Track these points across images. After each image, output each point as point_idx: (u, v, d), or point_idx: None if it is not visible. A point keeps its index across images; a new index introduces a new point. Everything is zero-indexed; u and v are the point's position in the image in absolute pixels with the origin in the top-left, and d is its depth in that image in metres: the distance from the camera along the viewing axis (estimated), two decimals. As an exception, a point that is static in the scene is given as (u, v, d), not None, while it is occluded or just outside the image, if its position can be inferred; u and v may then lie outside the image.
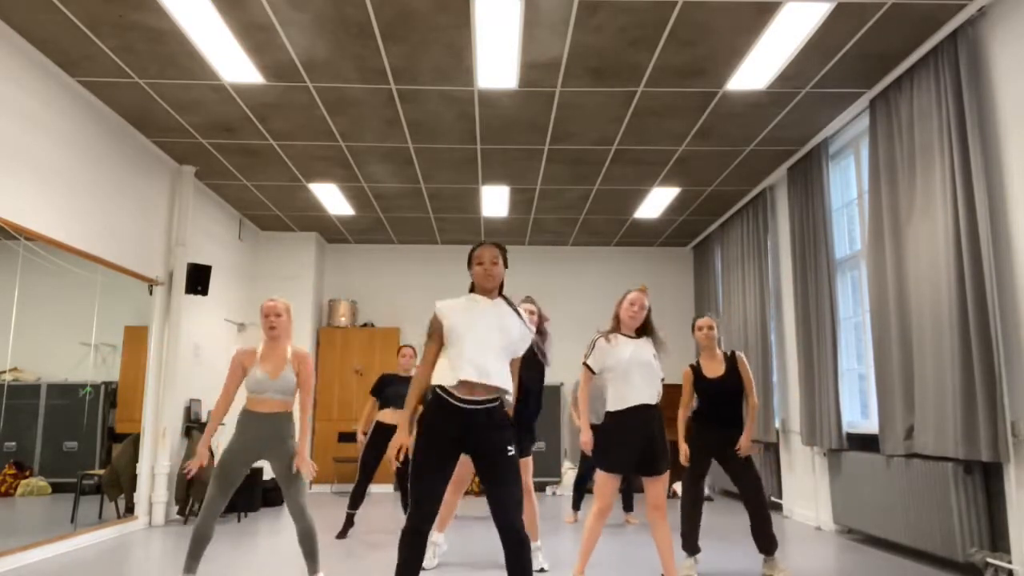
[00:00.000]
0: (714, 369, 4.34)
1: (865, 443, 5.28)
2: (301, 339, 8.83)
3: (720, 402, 4.27)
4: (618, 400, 3.63)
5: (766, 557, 4.20)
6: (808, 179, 6.08)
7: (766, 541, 4.15)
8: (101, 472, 5.56)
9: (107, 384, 5.66)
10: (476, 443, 2.80)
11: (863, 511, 5.11)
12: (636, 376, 3.62)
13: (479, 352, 2.80)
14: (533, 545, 4.37)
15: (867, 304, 5.21)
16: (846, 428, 5.50)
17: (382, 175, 6.93)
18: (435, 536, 4.45)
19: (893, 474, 4.72)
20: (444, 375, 2.83)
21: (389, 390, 5.66)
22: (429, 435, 2.79)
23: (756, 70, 4.79)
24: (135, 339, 6.11)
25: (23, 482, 4.71)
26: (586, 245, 9.65)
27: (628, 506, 6.42)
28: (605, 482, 3.61)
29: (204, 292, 6.72)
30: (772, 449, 6.90)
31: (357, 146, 6.20)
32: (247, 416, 3.66)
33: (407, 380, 5.61)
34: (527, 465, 4.31)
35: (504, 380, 2.84)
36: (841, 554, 4.86)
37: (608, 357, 3.69)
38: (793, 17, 4.18)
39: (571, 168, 6.71)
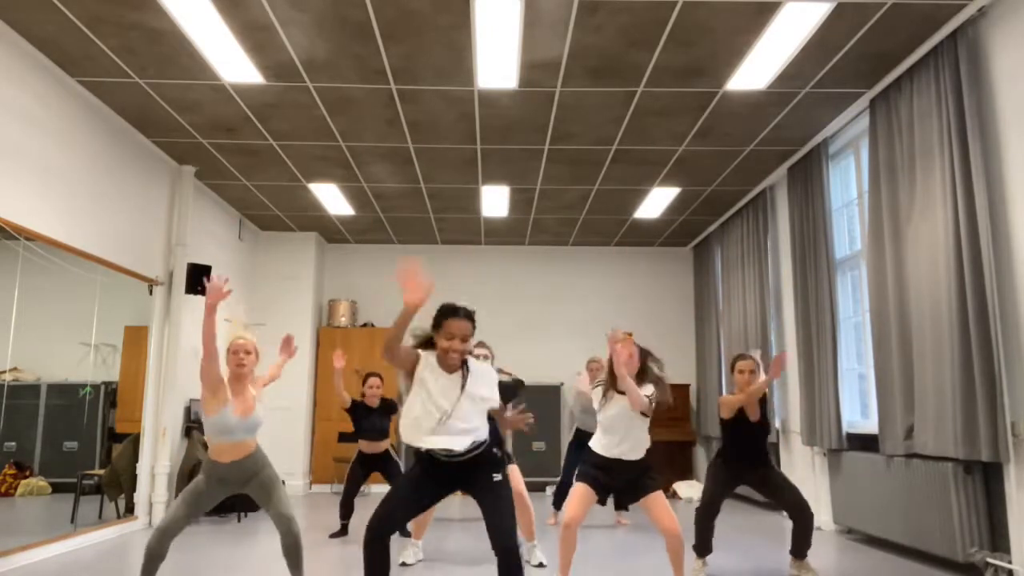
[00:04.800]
0: (754, 411, 4.18)
1: (865, 443, 5.28)
2: (301, 339, 8.83)
3: (752, 442, 4.23)
4: (603, 446, 3.68)
5: (797, 559, 4.17)
6: (808, 179, 6.08)
7: (804, 542, 4.13)
8: (101, 472, 5.56)
9: (107, 384, 5.66)
10: (464, 483, 2.92)
11: (863, 511, 5.11)
12: (621, 433, 3.63)
13: (442, 430, 2.79)
14: (529, 544, 4.41)
15: (867, 304, 5.21)
16: (846, 428, 5.50)
17: (382, 175, 6.93)
18: (413, 541, 4.59)
19: (893, 474, 4.72)
20: (414, 435, 2.83)
21: (364, 422, 5.62)
22: (420, 472, 2.89)
23: (756, 70, 4.79)
24: (135, 339, 6.11)
25: (23, 482, 4.72)
26: (586, 245, 9.64)
27: (622, 504, 6.36)
28: (577, 494, 3.63)
29: (204, 292, 6.71)
30: (772, 449, 6.90)
31: (357, 146, 6.20)
32: (213, 467, 3.46)
33: (377, 411, 5.64)
34: (515, 471, 4.40)
35: (474, 435, 2.84)
36: (841, 554, 4.86)
37: (600, 404, 3.72)
38: (793, 17, 4.17)
39: (571, 168, 6.71)
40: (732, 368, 4.32)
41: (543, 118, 5.59)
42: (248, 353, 3.60)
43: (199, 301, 7.06)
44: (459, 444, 2.80)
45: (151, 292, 6.32)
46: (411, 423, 2.82)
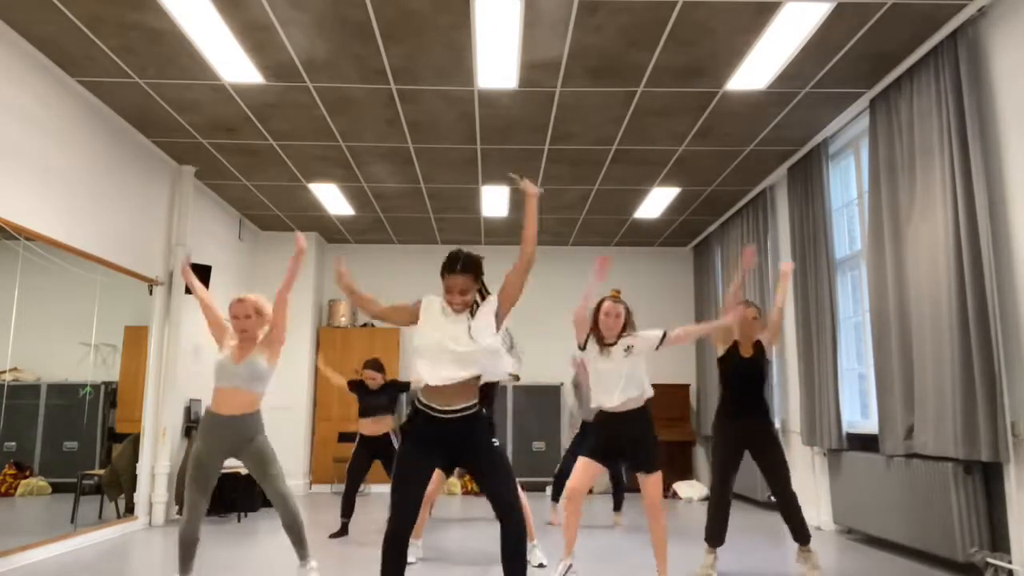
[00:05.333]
0: (747, 349, 4.25)
1: (865, 443, 5.27)
2: (301, 339, 8.84)
3: (749, 386, 4.21)
4: (603, 401, 3.75)
5: (801, 547, 4.16)
6: (808, 179, 6.08)
7: (801, 531, 4.14)
8: (101, 472, 5.56)
9: (107, 384, 5.66)
10: (459, 448, 2.89)
11: (863, 511, 5.11)
12: (612, 386, 3.69)
13: (440, 361, 2.85)
14: (529, 544, 4.41)
15: (867, 304, 5.21)
16: (846, 428, 5.50)
17: (382, 175, 6.93)
18: (413, 540, 4.54)
19: (893, 474, 4.72)
20: (423, 372, 2.88)
21: (365, 400, 5.66)
22: (411, 442, 2.85)
23: (756, 70, 4.79)
24: (135, 339, 6.11)
25: (23, 482, 4.72)
26: (586, 245, 9.65)
27: (617, 506, 6.37)
28: (578, 465, 3.71)
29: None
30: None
31: (357, 146, 6.20)
32: (210, 419, 3.51)
33: (376, 392, 5.67)
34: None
35: (477, 367, 2.89)
36: (841, 554, 4.86)
37: (590, 366, 3.80)
38: (793, 17, 4.18)
39: (571, 168, 6.71)
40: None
41: (543, 118, 5.59)
42: (248, 317, 3.56)
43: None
44: (463, 372, 2.83)
45: (151, 292, 6.32)
46: (418, 357, 2.88)
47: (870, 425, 5.26)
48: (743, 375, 4.21)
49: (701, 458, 8.92)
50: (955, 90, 4.18)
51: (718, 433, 4.25)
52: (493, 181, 7.08)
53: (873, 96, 5.05)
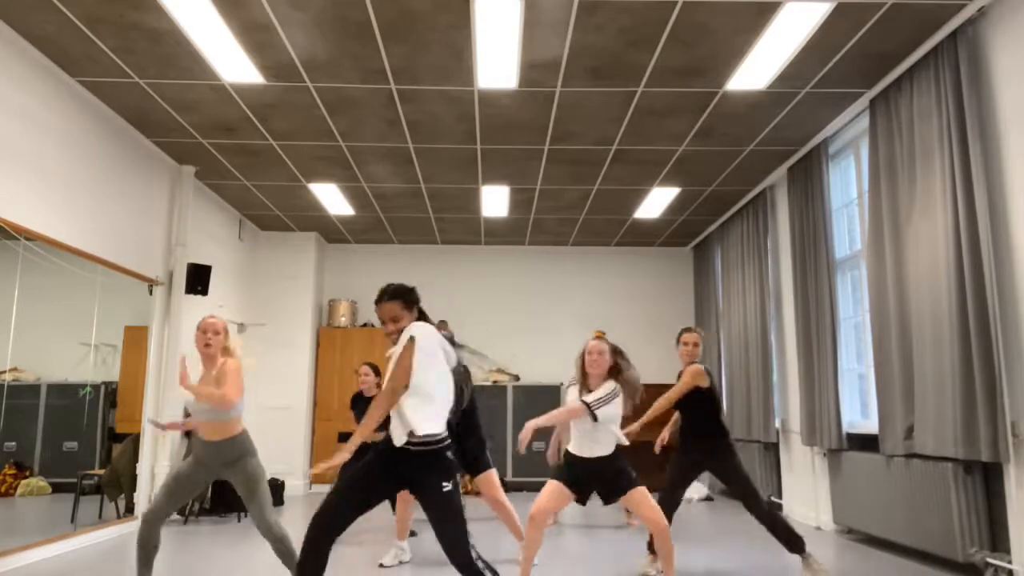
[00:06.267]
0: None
1: (865, 443, 5.27)
2: (301, 339, 8.83)
3: (706, 413, 4.28)
4: (573, 445, 3.70)
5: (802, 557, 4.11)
6: (808, 179, 6.08)
7: (783, 538, 4.08)
8: (101, 472, 5.56)
9: (107, 384, 5.66)
10: (411, 484, 2.83)
11: (863, 511, 5.11)
12: (585, 432, 3.65)
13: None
14: (519, 544, 4.42)
15: (867, 304, 5.21)
16: (846, 428, 5.50)
17: (382, 175, 6.93)
18: (397, 543, 4.58)
19: (893, 474, 4.72)
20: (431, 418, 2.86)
21: (358, 408, 5.64)
22: (372, 461, 2.85)
23: (756, 70, 4.79)
24: (135, 339, 6.11)
25: (23, 482, 4.71)
26: (586, 245, 9.65)
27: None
28: (549, 489, 3.63)
29: (204, 292, 6.72)
30: (772, 449, 6.90)
31: (357, 146, 6.20)
32: (198, 446, 3.53)
33: (371, 399, 5.62)
34: (492, 476, 4.43)
35: (404, 422, 2.81)
36: (841, 554, 4.86)
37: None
38: (793, 17, 4.17)
39: (571, 168, 6.71)
40: (677, 341, 4.43)
41: (543, 118, 5.59)
42: (217, 334, 3.61)
43: (199, 301, 7.07)
44: (396, 436, 2.80)
45: (151, 292, 6.32)
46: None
47: (870, 425, 5.26)
48: (703, 406, 4.30)
49: (701, 458, 8.92)
50: (955, 90, 4.18)
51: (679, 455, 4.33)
52: (493, 181, 7.08)
53: (873, 96, 5.05)
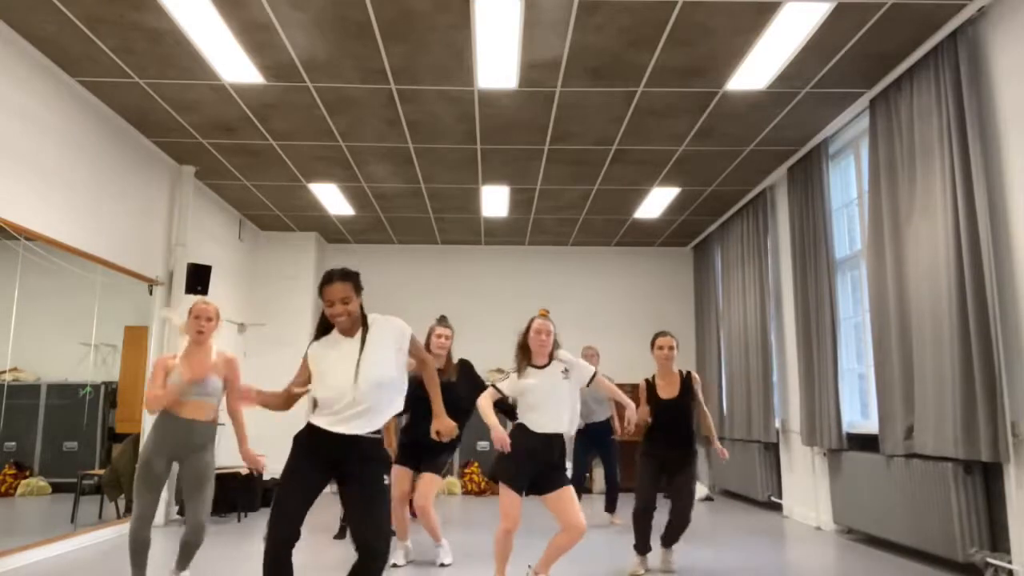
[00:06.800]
0: (669, 390, 4.36)
1: (865, 443, 5.27)
2: (301, 339, 8.82)
3: (672, 423, 4.31)
4: (531, 423, 3.61)
5: (666, 549, 4.33)
6: (808, 179, 6.08)
7: (675, 538, 4.29)
8: (101, 472, 5.56)
9: (107, 384, 5.66)
10: (344, 469, 2.77)
11: (863, 511, 5.11)
12: (548, 406, 3.61)
13: (333, 397, 2.78)
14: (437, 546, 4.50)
15: (867, 304, 5.21)
16: (846, 428, 5.50)
17: (382, 175, 6.93)
18: (401, 543, 4.57)
19: (893, 474, 4.72)
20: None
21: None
22: (298, 458, 2.78)
23: (756, 70, 4.79)
24: (135, 339, 6.11)
25: (23, 482, 4.71)
26: (586, 245, 9.65)
27: (611, 506, 6.38)
28: (510, 499, 3.55)
29: (204, 292, 6.72)
30: (772, 449, 6.90)
31: (357, 146, 6.20)
32: (165, 418, 3.55)
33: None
34: (431, 480, 4.44)
35: (372, 417, 2.77)
36: (841, 554, 4.86)
37: (520, 388, 3.66)
38: (793, 17, 4.18)
39: (571, 168, 6.71)
40: (652, 346, 4.45)
41: (543, 118, 5.59)
42: (209, 320, 3.71)
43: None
44: (356, 429, 2.73)
45: (151, 292, 6.32)
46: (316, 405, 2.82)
47: (870, 425, 5.26)
48: (665, 415, 4.35)
49: (702, 458, 8.91)
50: (955, 90, 4.18)
51: (642, 455, 4.37)
52: (493, 181, 7.08)
53: (873, 96, 5.05)
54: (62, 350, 5.16)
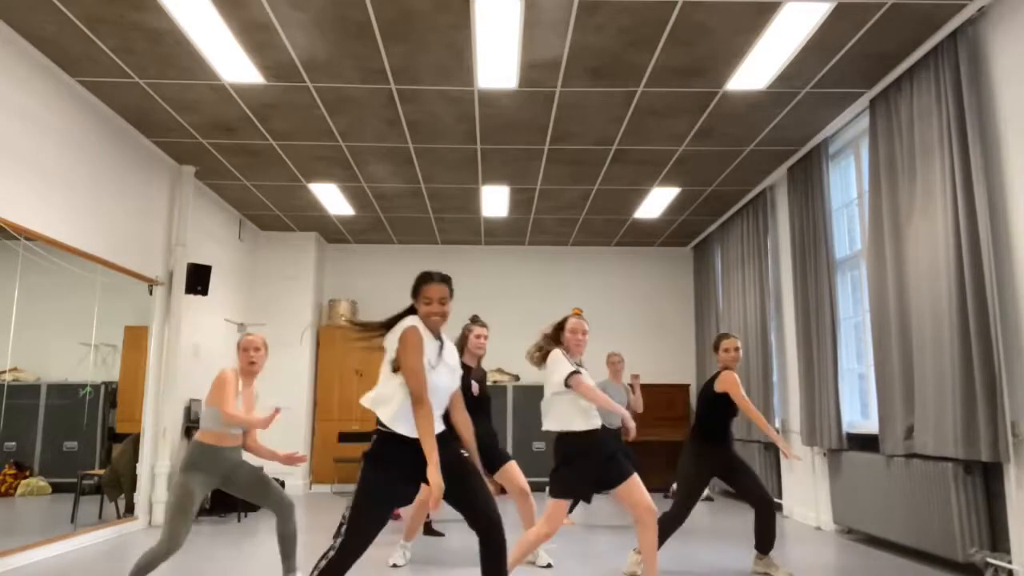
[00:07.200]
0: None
1: (865, 443, 5.28)
2: (301, 339, 8.84)
3: (729, 419, 4.31)
4: (582, 421, 3.53)
5: (760, 555, 4.22)
6: (808, 179, 6.08)
7: (771, 536, 4.18)
8: (101, 472, 5.56)
9: (107, 384, 5.66)
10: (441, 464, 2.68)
11: (863, 511, 5.11)
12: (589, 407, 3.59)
13: (439, 401, 2.75)
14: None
15: (867, 304, 5.21)
16: (846, 428, 5.50)
17: (382, 175, 6.93)
18: (404, 544, 4.57)
19: (893, 474, 4.72)
20: (403, 423, 2.65)
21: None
22: (382, 470, 2.65)
23: (756, 70, 4.79)
24: (135, 339, 6.11)
25: (23, 482, 4.71)
26: (586, 245, 9.65)
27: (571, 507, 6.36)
28: (561, 510, 3.50)
29: (204, 292, 6.73)
30: (772, 449, 6.90)
31: (357, 146, 6.20)
32: (215, 452, 3.52)
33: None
34: (515, 468, 4.42)
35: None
36: (841, 554, 4.86)
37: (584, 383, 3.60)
38: (793, 17, 4.18)
39: (571, 168, 6.71)
40: (716, 347, 4.41)
41: (543, 118, 5.59)
42: (258, 350, 3.77)
43: (199, 301, 7.08)
44: (440, 425, 2.74)
45: (151, 292, 6.32)
46: (403, 406, 2.69)
47: (870, 425, 5.26)
48: (729, 411, 4.32)
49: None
50: (955, 90, 4.18)
51: (699, 464, 4.27)
52: (493, 181, 7.08)
53: (873, 96, 5.05)
54: (62, 350, 5.16)
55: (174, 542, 3.34)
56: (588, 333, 3.71)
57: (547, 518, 3.48)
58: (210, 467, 3.52)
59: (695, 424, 4.36)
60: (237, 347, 3.77)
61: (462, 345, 4.57)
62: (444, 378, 2.74)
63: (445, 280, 2.81)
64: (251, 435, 3.75)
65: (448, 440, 2.77)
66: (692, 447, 4.29)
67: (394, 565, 4.44)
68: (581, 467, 3.46)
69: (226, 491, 3.67)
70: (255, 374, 3.75)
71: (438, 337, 2.80)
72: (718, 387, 4.25)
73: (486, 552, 2.65)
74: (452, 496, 2.68)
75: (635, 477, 3.54)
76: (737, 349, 4.36)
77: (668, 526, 4.14)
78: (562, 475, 3.47)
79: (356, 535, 2.58)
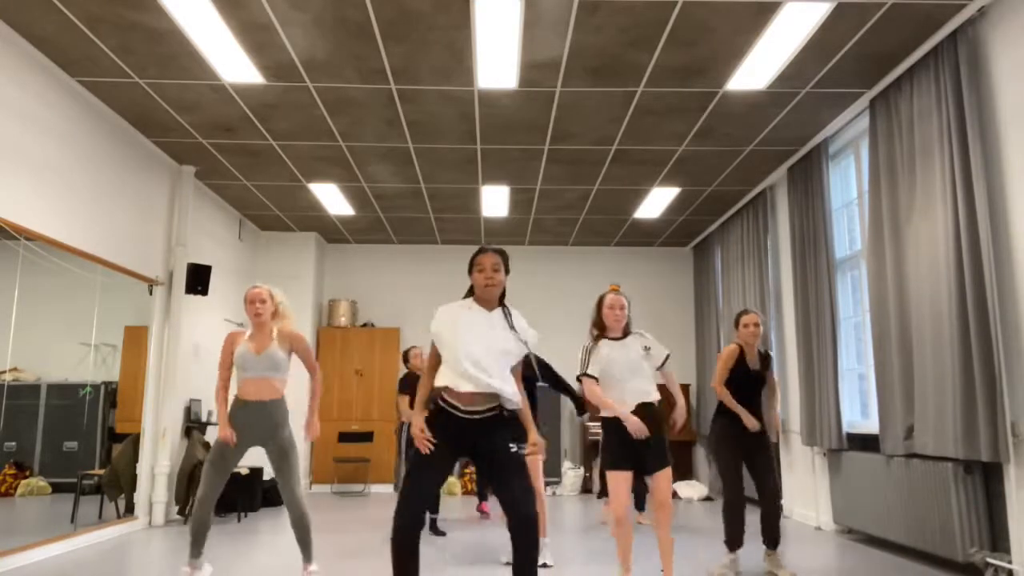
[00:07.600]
0: (754, 361, 4.36)
1: (865, 443, 5.28)
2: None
3: (754, 396, 4.33)
4: (618, 403, 3.62)
5: (769, 551, 4.23)
6: (808, 179, 6.08)
7: (776, 531, 4.22)
8: (101, 472, 5.56)
9: (107, 384, 5.66)
10: (477, 447, 2.80)
11: (863, 511, 5.11)
12: (630, 379, 3.64)
13: (474, 357, 2.79)
14: (541, 541, 4.39)
15: (867, 304, 5.21)
16: (846, 428, 5.50)
17: (382, 175, 6.93)
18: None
19: (893, 474, 4.72)
20: (445, 375, 2.82)
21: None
22: (434, 435, 2.76)
23: (756, 70, 4.79)
24: (135, 339, 6.11)
25: (23, 482, 4.71)
26: (586, 245, 9.65)
27: (640, 506, 6.36)
28: (616, 483, 3.58)
29: (204, 292, 6.73)
30: (772, 449, 6.90)
31: (357, 146, 6.20)
32: (238, 405, 3.74)
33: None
34: (536, 465, 4.39)
35: (503, 384, 2.80)
36: (841, 554, 4.86)
37: (603, 361, 3.67)
38: (793, 17, 4.18)
39: (571, 168, 6.71)
40: (736, 324, 4.42)
41: (543, 118, 5.59)
42: (264, 302, 3.87)
43: (199, 301, 7.08)
44: (486, 376, 2.77)
45: (151, 292, 6.32)
46: (443, 368, 2.84)
47: (870, 425, 5.26)
48: (748, 384, 4.34)
49: (701, 458, 8.92)
50: (955, 90, 4.18)
51: (722, 439, 4.33)
52: (493, 181, 7.08)
53: (873, 96, 5.05)
54: (62, 350, 5.16)
55: (201, 495, 3.64)
56: (627, 308, 3.73)
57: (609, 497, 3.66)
58: (240, 423, 3.71)
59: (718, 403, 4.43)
60: (244, 300, 3.91)
61: None
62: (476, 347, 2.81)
63: (499, 252, 3.03)
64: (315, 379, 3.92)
65: (508, 425, 2.85)
66: (711, 427, 4.43)
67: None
68: (608, 444, 3.66)
69: (267, 453, 3.79)
70: (264, 325, 3.85)
71: (500, 305, 3.00)
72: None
73: (512, 549, 2.70)
74: (493, 488, 2.77)
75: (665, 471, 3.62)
76: (757, 325, 4.33)
77: (730, 515, 4.22)
78: (602, 456, 3.74)
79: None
